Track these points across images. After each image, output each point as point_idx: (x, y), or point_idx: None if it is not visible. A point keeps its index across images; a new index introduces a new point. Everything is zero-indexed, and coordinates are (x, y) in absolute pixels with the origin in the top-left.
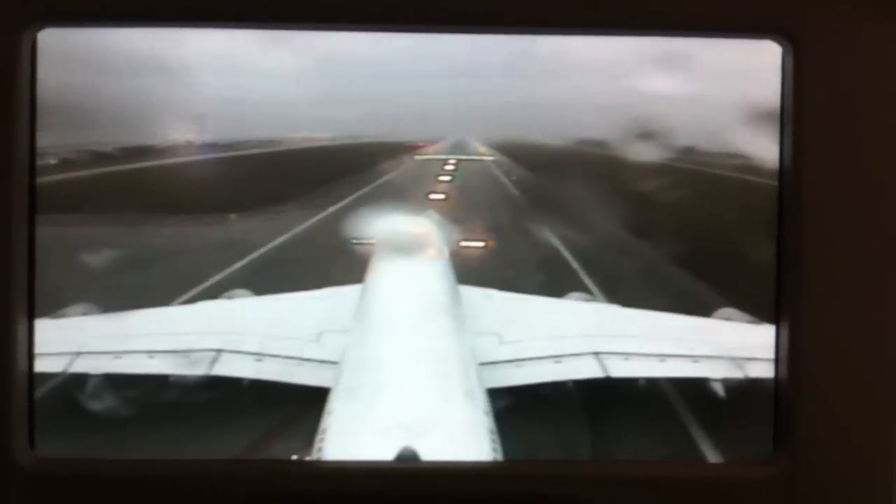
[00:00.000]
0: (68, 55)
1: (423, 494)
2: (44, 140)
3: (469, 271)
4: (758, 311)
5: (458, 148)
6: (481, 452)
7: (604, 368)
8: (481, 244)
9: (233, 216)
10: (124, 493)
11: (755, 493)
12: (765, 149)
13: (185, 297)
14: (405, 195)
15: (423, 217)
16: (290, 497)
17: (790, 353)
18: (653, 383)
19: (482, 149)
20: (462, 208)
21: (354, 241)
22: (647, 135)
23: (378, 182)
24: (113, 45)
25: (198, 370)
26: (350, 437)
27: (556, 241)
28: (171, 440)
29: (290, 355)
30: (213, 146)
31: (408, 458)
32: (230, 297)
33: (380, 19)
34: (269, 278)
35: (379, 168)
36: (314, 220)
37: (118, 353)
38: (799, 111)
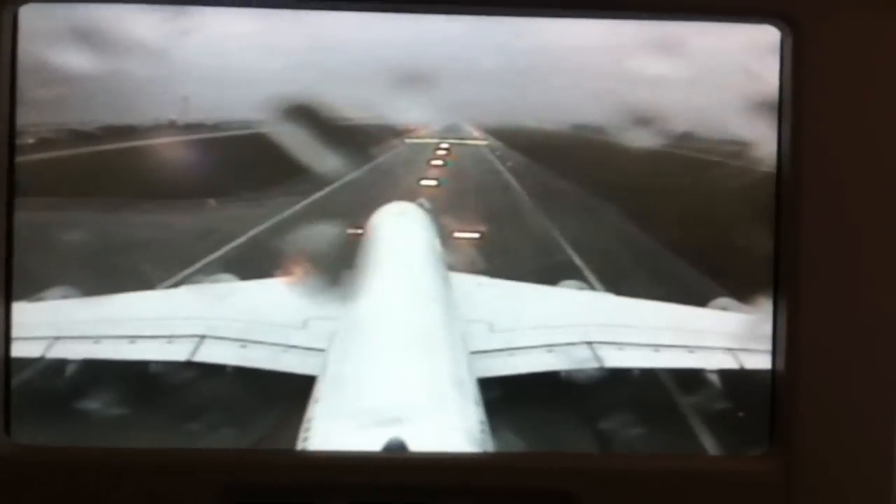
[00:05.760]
0: (50, 32)
1: (411, 485)
2: (22, 118)
3: (462, 258)
4: (755, 301)
5: (451, 132)
6: (471, 443)
7: (597, 358)
8: (475, 235)
9: (212, 201)
10: (102, 481)
11: (752, 486)
12: (763, 136)
13: (169, 282)
14: (395, 181)
15: (414, 204)
16: (275, 487)
17: (787, 344)
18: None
19: (476, 133)
20: (455, 195)
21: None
22: (643, 120)
23: (367, 167)
24: (96, 22)
25: (180, 356)
26: (336, 426)
27: (552, 229)
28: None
29: (275, 342)
30: (198, 127)
31: (395, 449)
32: (214, 282)
33: None
34: (253, 264)
35: (368, 152)
36: (298, 206)
37: (98, 338)
38: (798, 97)
